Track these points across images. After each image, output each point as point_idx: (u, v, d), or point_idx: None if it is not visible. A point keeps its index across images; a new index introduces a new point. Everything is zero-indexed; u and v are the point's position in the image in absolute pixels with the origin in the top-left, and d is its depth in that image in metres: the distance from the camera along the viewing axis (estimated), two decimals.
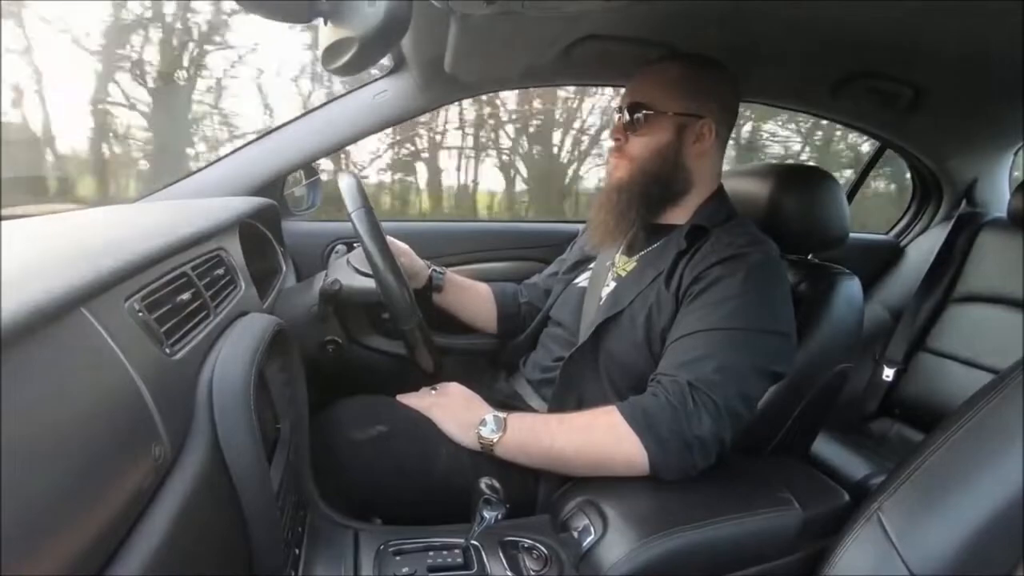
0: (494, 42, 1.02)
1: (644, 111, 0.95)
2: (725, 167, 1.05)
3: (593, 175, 3.49)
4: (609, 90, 2.11)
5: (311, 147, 1.32)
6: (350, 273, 1.01)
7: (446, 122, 3.31)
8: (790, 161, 3.34)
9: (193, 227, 0.75)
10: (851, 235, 1.11)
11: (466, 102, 2.81)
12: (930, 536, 0.60)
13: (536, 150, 3.54)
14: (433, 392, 0.97)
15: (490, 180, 3.56)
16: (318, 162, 1.42)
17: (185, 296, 0.63)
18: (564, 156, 3.51)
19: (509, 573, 0.73)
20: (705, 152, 0.97)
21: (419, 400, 0.97)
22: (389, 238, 0.98)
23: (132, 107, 2.67)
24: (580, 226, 1.22)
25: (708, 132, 0.96)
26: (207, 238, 0.77)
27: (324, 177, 1.46)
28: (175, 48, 2.71)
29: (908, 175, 1.92)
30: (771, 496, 0.84)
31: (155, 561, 0.43)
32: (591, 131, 3.42)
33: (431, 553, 0.76)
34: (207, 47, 2.76)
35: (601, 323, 0.94)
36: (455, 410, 0.92)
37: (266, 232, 1.12)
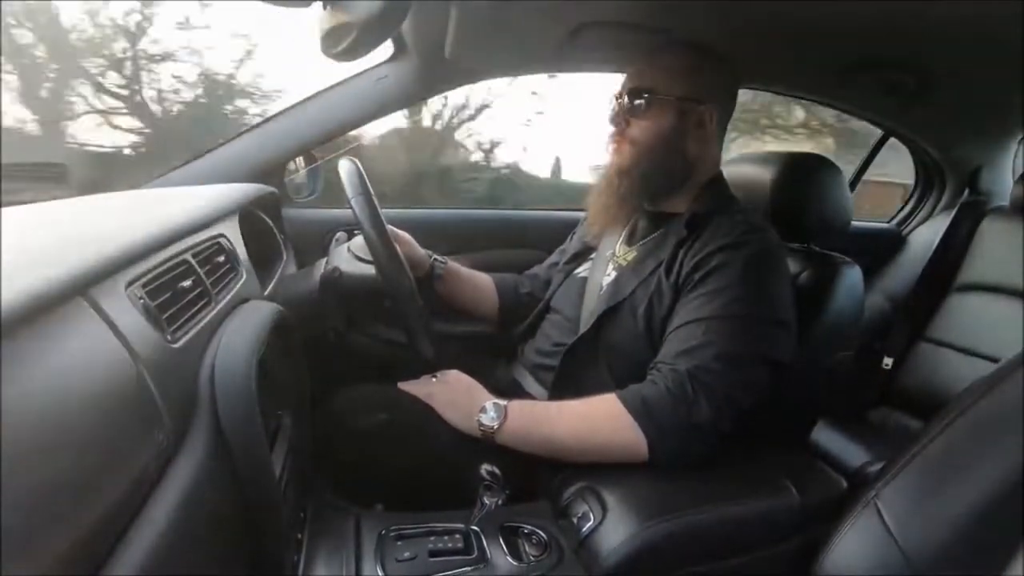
0: (494, 28, 1.01)
1: (646, 95, 0.95)
2: None
3: None
4: None
5: (311, 134, 1.32)
6: (350, 260, 1.01)
7: None
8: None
9: (193, 214, 0.75)
10: (853, 223, 1.10)
11: None
12: (927, 523, 0.60)
13: None
14: (434, 380, 0.98)
15: None
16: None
17: (186, 283, 0.62)
18: None
19: (509, 558, 0.74)
20: (706, 138, 0.97)
21: (420, 387, 0.97)
22: (390, 227, 0.98)
23: None
24: (581, 214, 1.21)
25: (709, 118, 0.96)
26: (207, 225, 0.76)
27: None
28: None
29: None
30: (769, 483, 0.84)
31: (159, 547, 0.43)
32: None
33: (432, 538, 0.76)
34: None
35: (602, 313, 0.94)
36: (456, 397, 0.93)
37: (266, 219, 1.12)
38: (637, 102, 0.96)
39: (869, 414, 1.58)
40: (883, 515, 0.63)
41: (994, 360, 1.35)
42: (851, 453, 1.33)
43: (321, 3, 0.64)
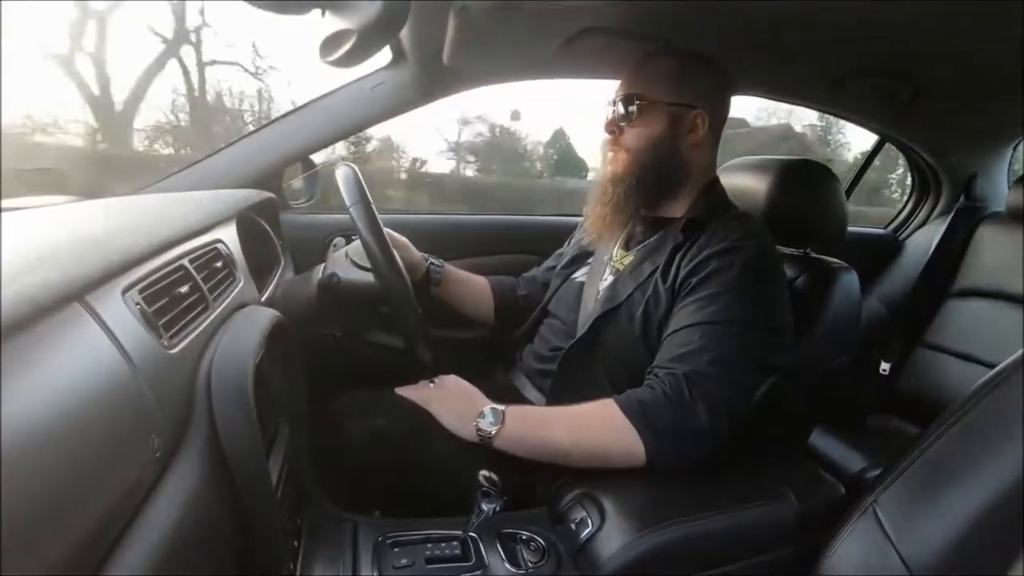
0: (492, 35, 1.01)
1: (637, 102, 0.96)
2: None
3: None
4: None
5: (309, 139, 1.32)
6: (348, 266, 1.01)
7: None
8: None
9: (191, 219, 0.74)
10: (849, 229, 1.11)
11: None
12: (926, 530, 0.60)
13: None
14: (431, 385, 0.98)
15: None
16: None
17: (183, 289, 0.62)
18: None
19: (507, 565, 0.74)
20: (699, 143, 0.98)
21: (417, 393, 0.97)
22: (387, 231, 0.98)
23: None
24: (578, 219, 1.21)
25: (701, 122, 0.97)
26: (205, 230, 0.76)
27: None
28: None
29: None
30: (767, 489, 0.84)
31: (154, 554, 0.43)
32: None
33: (429, 545, 0.76)
34: None
35: (599, 317, 0.94)
36: (453, 403, 0.93)
37: (264, 225, 1.12)
38: (629, 109, 0.97)
39: (867, 420, 1.58)
40: (881, 521, 0.63)
41: (991, 366, 1.34)
42: (849, 459, 1.33)
43: (319, 10, 0.65)
